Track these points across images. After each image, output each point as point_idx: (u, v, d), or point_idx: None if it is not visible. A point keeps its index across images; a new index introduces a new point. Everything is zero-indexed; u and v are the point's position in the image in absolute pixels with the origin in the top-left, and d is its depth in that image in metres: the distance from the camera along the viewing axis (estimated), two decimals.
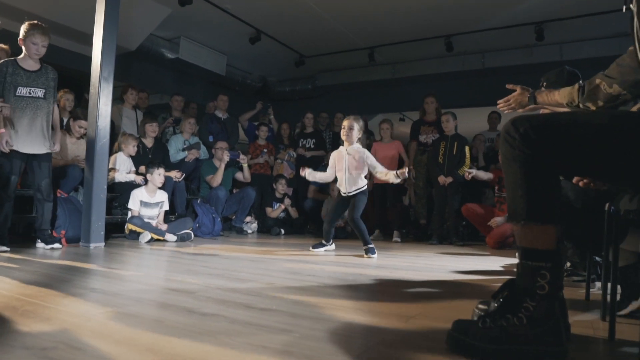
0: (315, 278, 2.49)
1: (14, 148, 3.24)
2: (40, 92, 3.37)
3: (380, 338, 1.38)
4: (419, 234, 5.94)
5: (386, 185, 5.65)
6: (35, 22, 3.34)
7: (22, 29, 3.30)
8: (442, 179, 5.26)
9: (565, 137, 1.19)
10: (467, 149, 5.37)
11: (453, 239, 5.18)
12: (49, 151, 3.43)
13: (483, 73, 7.81)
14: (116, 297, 1.85)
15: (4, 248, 3.17)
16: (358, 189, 3.86)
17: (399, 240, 5.46)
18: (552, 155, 1.21)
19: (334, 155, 4.04)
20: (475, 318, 1.55)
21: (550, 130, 1.20)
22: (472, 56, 7.68)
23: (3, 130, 3.17)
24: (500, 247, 4.81)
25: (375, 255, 3.67)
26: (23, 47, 3.32)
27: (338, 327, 1.47)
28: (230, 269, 2.75)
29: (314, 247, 4.03)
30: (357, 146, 3.92)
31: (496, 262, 3.62)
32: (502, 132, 1.25)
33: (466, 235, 5.89)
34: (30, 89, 3.32)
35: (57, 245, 3.46)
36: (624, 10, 1.37)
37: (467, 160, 5.32)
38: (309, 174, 4.07)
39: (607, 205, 1.54)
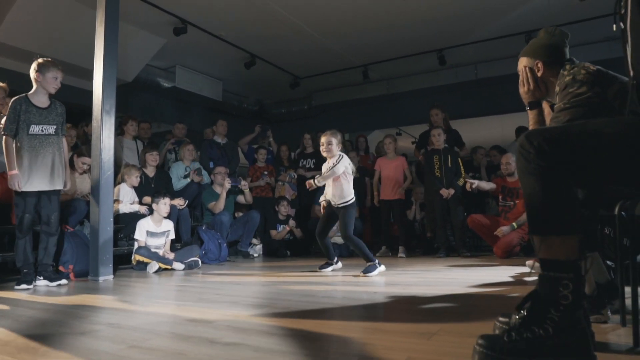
0: (331, 300, 2.48)
1: (27, 188, 3.24)
2: (51, 129, 3.39)
3: (407, 356, 1.38)
4: (426, 247, 5.93)
5: (392, 201, 5.67)
6: (49, 58, 3.40)
7: (37, 66, 3.33)
8: (444, 192, 5.28)
9: (579, 147, 1.22)
10: (459, 161, 5.43)
11: (460, 251, 5.18)
12: (58, 188, 3.43)
13: (477, 84, 7.92)
14: (134, 330, 1.84)
15: (25, 286, 3.15)
16: (345, 202, 3.84)
17: (404, 255, 5.44)
18: (567, 166, 1.23)
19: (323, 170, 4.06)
20: (498, 332, 1.56)
21: (563, 141, 1.22)
22: (465, 68, 7.81)
23: (16, 171, 3.19)
24: (508, 256, 4.80)
25: (375, 273, 3.60)
26: (38, 83, 3.33)
27: (365, 349, 1.47)
28: (244, 295, 2.74)
29: (321, 267, 4.02)
30: (338, 154, 3.92)
31: (506, 272, 3.62)
32: (517, 146, 1.28)
33: (472, 246, 5.89)
34: (42, 127, 3.33)
35: (63, 281, 3.41)
36: (614, 29, 1.40)
37: (463, 172, 5.40)
38: (316, 181, 3.97)
39: (617, 208, 1.55)
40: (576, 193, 1.29)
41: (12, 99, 3.31)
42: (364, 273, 3.60)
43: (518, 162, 1.27)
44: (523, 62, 1.97)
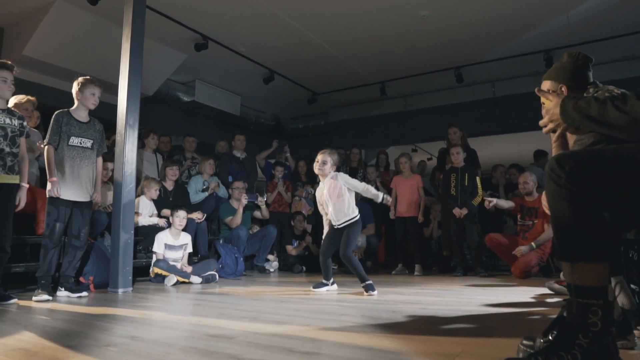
0: (349, 317, 2.48)
1: (63, 196, 3.35)
2: (89, 143, 3.54)
3: None
4: (442, 266, 5.89)
5: (407, 218, 5.66)
6: (88, 77, 3.59)
7: (78, 83, 3.53)
8: (457, 212, 5.27)
9: (613, 172, 1.22)
10: (478, 179, 5.39)
11: (477, 270, 5.13)
12: (91, 200, 3.53)
13: (494, 102, 7.91)
14: (157, 345, 1.86)
15: (46, 297, 3.17)
16: (348, 220, 3.71)
17: (419, 273, 5.41)
18: (600, 191, 1.23)
19: (317, 197, 3.99)
20: (522, 355, 1.54)
21: (596, 166, 1.22)
22: (482, 86, 7.80)
23: (55, 178, 3.32)
24: (526, 276, 4.75)
25: (375, 292, 3.49)
26: (78, 100, 3.54)
27: None
28: (263, 310, 2.75)
29: (315, 287, 3.85)
30: (332, 174, 3.83)
31: (525, 293, 3.58)
32: (546, 170, 1.28)
33: (489, 265, 5.84)
34: (81, 139, 3.50)
35: (84, 293, 3.46)
36: None
37: (480, 191, 5.35)
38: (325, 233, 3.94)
39: None
40: (606, 218, 1.29)
41: (55, 112, 3.48)
42: (366, 291, 3.50)
43: (548, 185, 1.28)
44: (547, 85, 1.98)
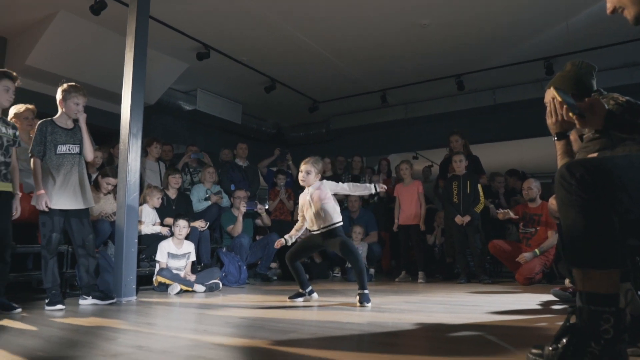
0: (356, 326, 2.48)
1: (54, 206, 3.30)
2: (77, 149, 3.46)
3: None
4: (446, 273, 5.87)
5: (410, 226, 5.66)
6: (74, 83, 3.47)
7: (62, 91, 3.42)
8: (459, 219, 5.28)
9: (624, 179, 1.22)
10: (480, 187, 5.40)
11: (481, 278, 5.12)
12: (86, 206, 3.48)
13: (495, 109, 7.93)
14: (164, 354, 1.85)
15: (60, 306, 3.18)
16: (331, 225, 3.53)
17: (423, 281, 5.40)
18: (610, 197, 1.23)
19: (300, 201, 3.81)
20: None
21: (607, 173, 1.22)
22: (483, 93, 7.83)
23: (42, 191, 3.25)
24: (530, 283, 4.74)
25: (369, 305, 3.27)
26: (61, 107, 3.44)
27: None
28: (268, 319, 2.74)
29: (292, 297, 3.70)
30: (317, 183, 3.67)
31: (530, 300, 3.57)
32: (557, 178, 1.28)
33: (492, 272, 5.83)
34: (69, 146, 3.41)
35: (114, 300, 3.48)
36: None
37: (482, 198, 5.35)
38: (289, 238, 3.83)
39: None
40: (617, 225, 1.29)
41: (39, 122, 3.41)
42: (363, 303, 3.27)
43: (558, 193, 1.28)
44: (551, 94, 1.98)
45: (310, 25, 5.75)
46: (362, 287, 3.35)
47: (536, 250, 4.80)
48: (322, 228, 3.55)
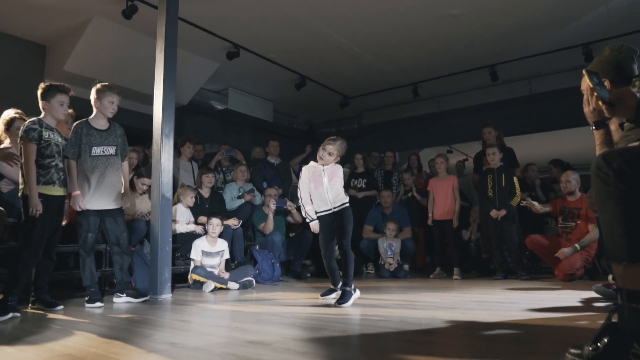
0: (388, 323, 2.44)
1: (90, 207, 3.40)
2: (112, 150, 3.52)
3: None
4: (482, 269, 5.74)
5: (444, 222, 5.57)
6: (107, 83, 3.56)
7: (96, 90, 3.49)
8: (494, 213, 5.14)
9: None
10: (515, 179, 5.24)
11: (519, 274, 4.97)
12: (120, 207, 3.57)
13: (531, 99, 7.69)
14: (197, 351, 1.87)
15: (99, 304, 3.30)
16: (343, 203, 3.48)
17: (459, 277, 5.30)
18: None
19: (307, 173, 3.60)
20: None
21: None
22: (518, 83, 7.60)
23: (78, 192, 3.36)
24: (571, 279, 4.57)
25: (348, 305, 3.14)
26: (96, 108, 3.51)
27: None
28: (300, 316, 2.75)
29: (324, 294, 3.65)
30: (334, 165, 3.56)
31: (571, 297, 3.44)
32: (592, 169, 1.22)
33: (531, 268, 5.66)
34: (103, 148, 3.48)
35: (147, 297, 3.59)
36: None
37: (518, 191, 5.19)
38: (314, 222, 3.64)
39: None
40: None
41: (74, 124, 3.50)
42: (339, 303, 3.16)
43: (595, 185, 1.21)
44: (588, 81, 1.89)
45: (339, 20, 5.71)
46: (345, 284, 3.26)
47: (576, 245, 4.63)
48: (334, 208, 3.48)
